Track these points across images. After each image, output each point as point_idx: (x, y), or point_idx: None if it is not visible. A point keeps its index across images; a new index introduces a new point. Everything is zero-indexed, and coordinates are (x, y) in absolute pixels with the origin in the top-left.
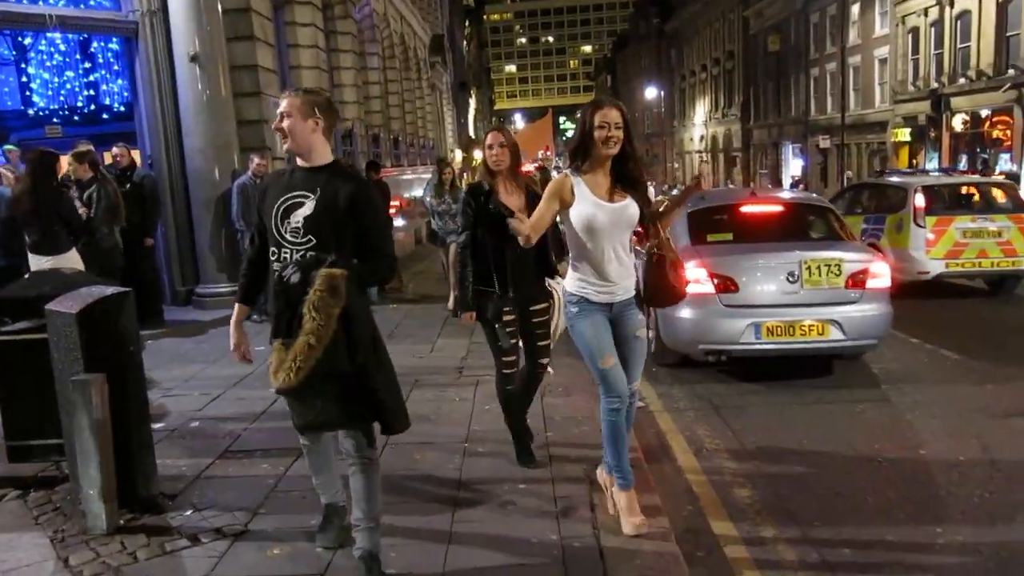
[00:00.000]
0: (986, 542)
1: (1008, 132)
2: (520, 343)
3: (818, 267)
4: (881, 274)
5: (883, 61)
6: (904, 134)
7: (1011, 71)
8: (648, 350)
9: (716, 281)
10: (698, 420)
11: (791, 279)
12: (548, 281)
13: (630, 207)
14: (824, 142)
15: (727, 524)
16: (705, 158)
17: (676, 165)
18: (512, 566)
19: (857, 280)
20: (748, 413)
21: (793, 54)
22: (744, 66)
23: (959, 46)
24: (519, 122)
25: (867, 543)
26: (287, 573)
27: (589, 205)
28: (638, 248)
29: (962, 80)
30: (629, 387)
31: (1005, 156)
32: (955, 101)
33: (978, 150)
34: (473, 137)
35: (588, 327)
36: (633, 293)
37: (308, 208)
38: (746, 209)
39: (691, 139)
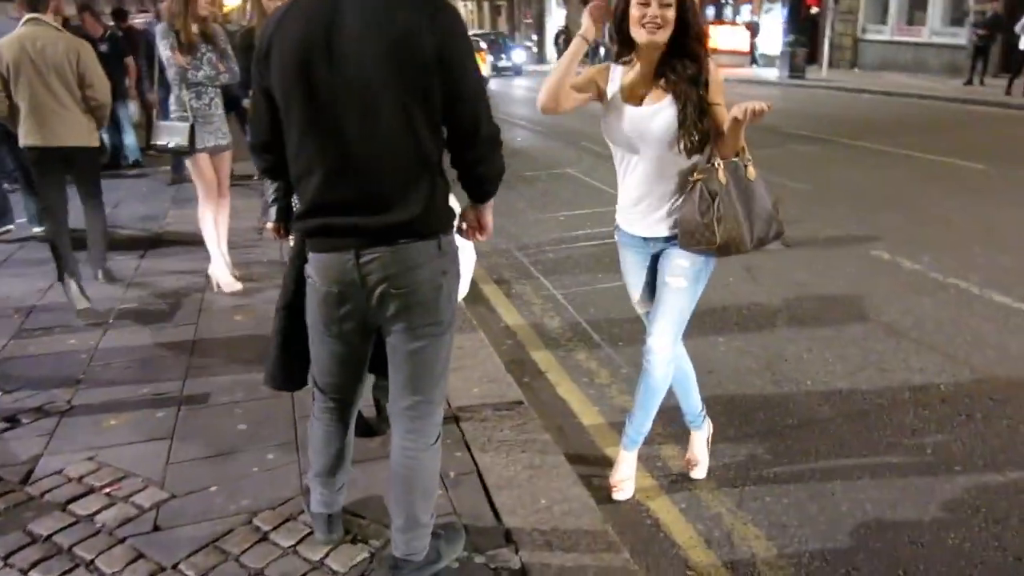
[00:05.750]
0: None
1: None
2: None
3: None
4: None
5: None
6: None
7: None
8: None
9: None
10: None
11: None
12: None
13: (661, 113)
14: None
15: (544, 353)
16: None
17: None
18: None
19: None
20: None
21: None
22: None
23: None
24: None
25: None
26: (133, 440)
27: (612, 110)
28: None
29: None
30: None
31: None
32: None
33: None
34: None
35: (622, 262)
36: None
37: None
38: None
39: None
